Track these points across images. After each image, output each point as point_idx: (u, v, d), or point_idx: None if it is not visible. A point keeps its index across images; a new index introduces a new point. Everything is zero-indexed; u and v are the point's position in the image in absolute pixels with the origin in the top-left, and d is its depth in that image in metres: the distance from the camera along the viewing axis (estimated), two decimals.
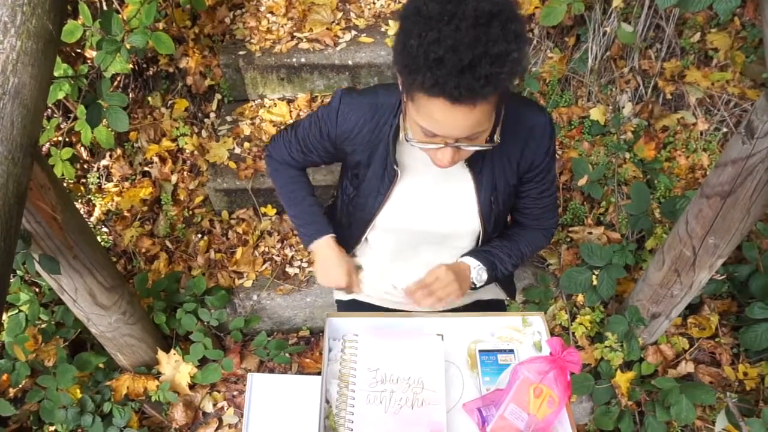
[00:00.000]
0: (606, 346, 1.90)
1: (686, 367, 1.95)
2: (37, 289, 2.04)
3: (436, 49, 0.79)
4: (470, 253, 1.27)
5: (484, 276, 1.24)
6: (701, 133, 2.43)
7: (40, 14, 1.09)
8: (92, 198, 2.44)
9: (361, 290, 1.34)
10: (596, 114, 2.47)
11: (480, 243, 1.27)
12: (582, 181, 2.15)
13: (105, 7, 2.36)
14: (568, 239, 2.24)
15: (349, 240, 1.35)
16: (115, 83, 2.48)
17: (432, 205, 1.20)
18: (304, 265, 2.23)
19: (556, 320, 2.06)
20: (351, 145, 1.18)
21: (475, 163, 1.13)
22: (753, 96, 2.37)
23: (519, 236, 1.31)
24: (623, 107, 2.52)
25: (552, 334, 2.06)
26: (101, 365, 1.94)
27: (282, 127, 1.33)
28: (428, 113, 0.89)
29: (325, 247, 1.30)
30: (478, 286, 1.25)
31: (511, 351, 1.16)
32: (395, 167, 1.15)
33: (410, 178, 1.19)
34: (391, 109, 1.13)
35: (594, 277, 1.93)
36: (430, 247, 1.29)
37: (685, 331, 2.03)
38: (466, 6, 0.78)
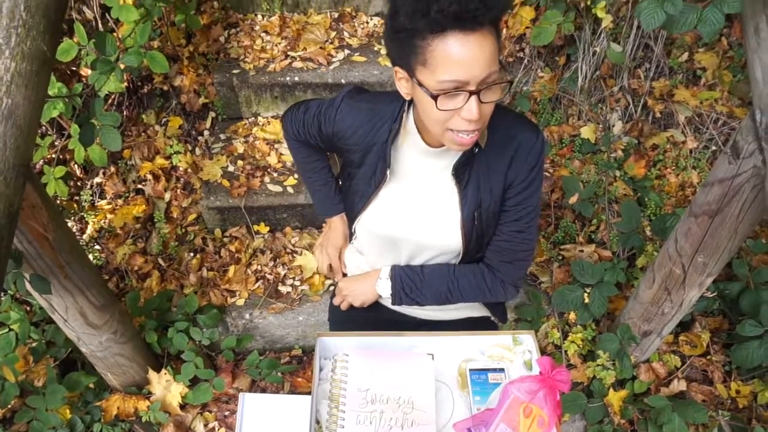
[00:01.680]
0: (598, 365, 1.90)
1: (678, 385, 1.95)
2: (27, 308, 2.02)
3: None
4: (394, 266, 1.30)
5: (388, 291, 1.30)
6: (690, 151, 2.47)
7: (35, 36, 1.10)
8: (85, 215, 2.44)
9: (333, 275, 1.51)
10: (587, 132, 2.50)
11: (460, 260, 1.26)
12: (573, 199, 2.17)
13: (100, 26, 2.38)
14: (560, 257, 2.25)
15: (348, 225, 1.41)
16: (110, 101, 2.49)
17: (414, 215, 1.21)
18: (297, 283, 2.23)
19: (549, 338, 2.06)
20: (345, 145, 1.21)
21: (461, 176, 1.14)
22: (741, 114, 2.41)
23: (461, 274, 1.26)
24: (613, 126, 2.55)
25: (545, 352, 2.06)
26: (91, 385, 1.92)
27: (299, 102, 1.36)
28: (445, 58, 0.89)
29: (328, 226, 1.50)
30: (383, 296, 1.33)
31: (502, 370, 1.16)
32: (387, 172, 1.17)
33: (396, 184, 1.20)
34: (391, 114, 1.15)
35: (586, 295, 1.94)
36: (411, 253, 1.29)
37: (677, 348, 2.04)
38: None
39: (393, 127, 1.14)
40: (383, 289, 1.31)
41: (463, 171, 1.13)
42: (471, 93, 0.92)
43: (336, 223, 1.46)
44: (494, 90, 0.95)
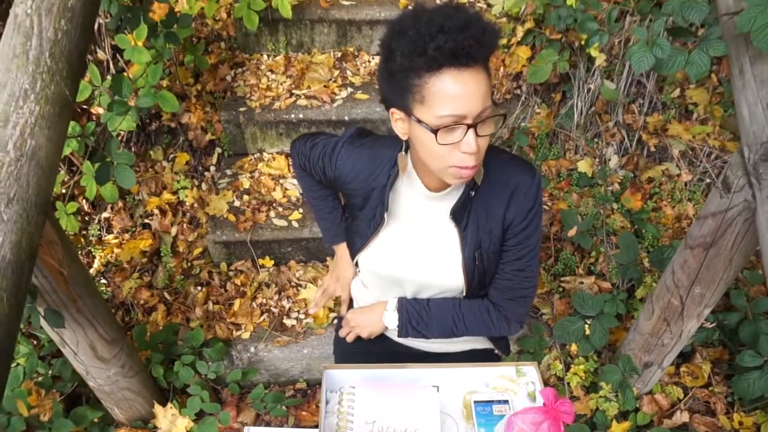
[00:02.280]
0: (601, 396, 1.91)
1: (681, 417, 1.96)
2: (35, 342, 2.04)
3: (435, 21, 0.91)
4: (401, 299, 1.32)
5: (395, 323, 1.31)
6: (685, 184, 2.52)
7: (58, 81, 1.17)
8: (92, 250, 2.48)
9: (315, 308, 1.57)
10: (584, 166, 2.56)
11: (464, 296, 1.28)
12: (572, 232, 2.21)
13: (112, 66, 2.47)
14: (561, 289, 2.28)
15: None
16: (119, 138, 2.56)
17: (415, 256, 1.23)
18: (302, 316, 2.25)
19: (551, 370, 2.08)
20: (346, 189, 1.25)
21: (460, 218, 1.17)
22: (732, 148, 2.47)
23: (466, 309, 1.28)
24: (609, 160, 2.61)
25: (547, 384, 2.07)
26: (96, 419, 1.92)
27: (307, 134, 1.40)
28: (442, 93, 0.93)
29: (336, 257, 1.54)
30: (390, 328, 1.35)
31: (506, 401, 1.18)
32: (384, 215, 1.19)
33: (396, 226, 1.23)
34: (390, 158, 1.18)
35: (586, 326, 1.96)
36: (415, 291, 1.31)
37: (679, 380, 2.05)
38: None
39: (392, 171, 1.17)
40: (390, 321, 1.32)
41: (461, 214, 1.16)
42: (468, 126, 0.96)
43: (344, 251, 1.46)
44: (489, 123, 1.00)
